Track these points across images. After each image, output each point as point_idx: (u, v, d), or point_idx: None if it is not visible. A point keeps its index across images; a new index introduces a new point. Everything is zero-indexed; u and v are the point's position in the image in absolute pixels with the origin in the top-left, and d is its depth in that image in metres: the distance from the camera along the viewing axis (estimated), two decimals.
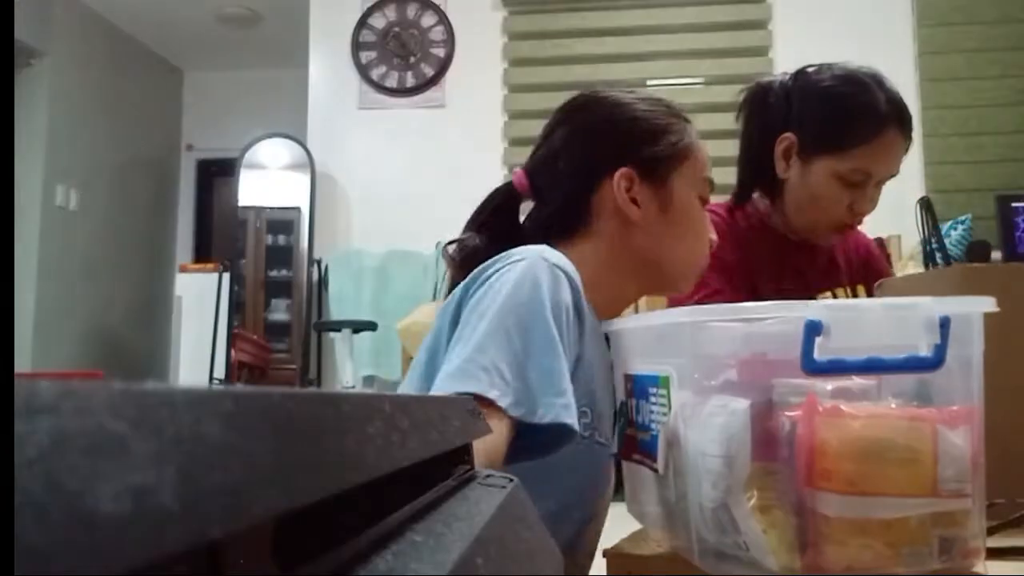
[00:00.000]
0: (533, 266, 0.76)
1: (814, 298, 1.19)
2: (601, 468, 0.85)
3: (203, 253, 5.58)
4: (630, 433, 0.74)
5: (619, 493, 0.86)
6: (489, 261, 0.79)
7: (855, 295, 1.26)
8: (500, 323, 0.71)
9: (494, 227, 0.97)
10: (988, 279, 0.81)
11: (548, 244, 0.86)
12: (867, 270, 1.30)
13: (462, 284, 0.80)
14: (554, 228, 0.93)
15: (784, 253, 1.24)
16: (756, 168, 1.24)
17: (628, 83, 4.02)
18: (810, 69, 1.20)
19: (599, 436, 0.84)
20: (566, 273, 0.78)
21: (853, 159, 1.12)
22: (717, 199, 1.10)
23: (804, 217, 1.19)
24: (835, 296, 1.24)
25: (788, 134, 1.18)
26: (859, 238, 1.33)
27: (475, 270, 0.80)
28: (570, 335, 0.76)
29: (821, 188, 1.15)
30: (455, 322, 0.77)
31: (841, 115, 1.13)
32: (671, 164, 0.91)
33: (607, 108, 0.94)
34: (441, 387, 0.69)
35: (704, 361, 0.61)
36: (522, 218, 0.98)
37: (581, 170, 0.92)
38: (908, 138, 1.15)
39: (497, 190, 1.00)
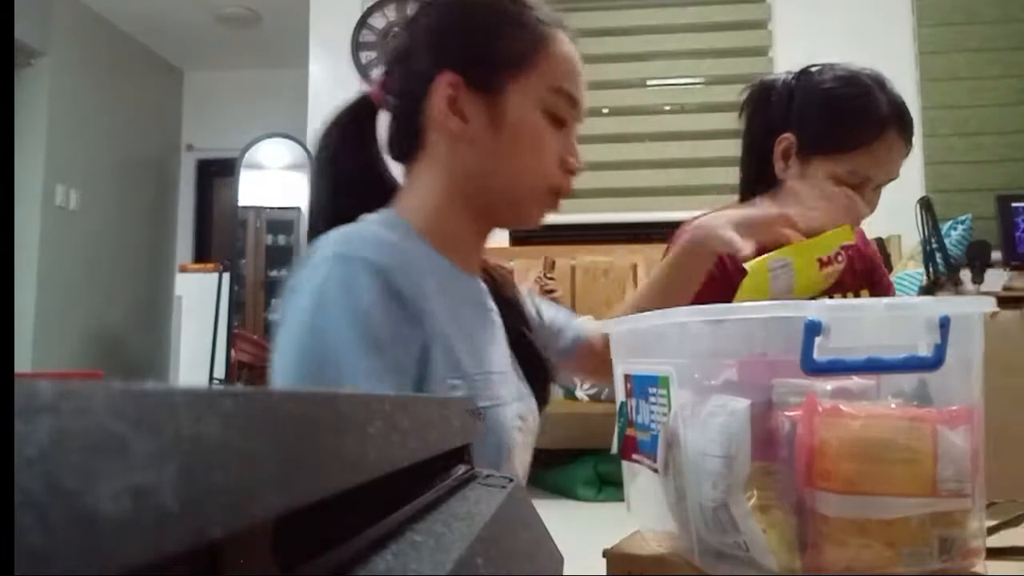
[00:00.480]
0: (321, 285, 0.67)
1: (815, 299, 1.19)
2: (494, 432, 0.76)
3: (203, 253, 5.58)
4: (630, 433, 0.74)
5: (619, 493, 0.86)
6: (310, 255, 0.71)
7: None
8: (302, 374, 0.66)
9: (346, 157, 0.84)
10: None
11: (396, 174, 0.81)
12: (872, 279, 1.29)
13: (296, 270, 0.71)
14: (397, 149, 0.83)
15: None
16: (757, 167, 1.23)
17: (628, 83, 4.02)
18: (813, 69, 1.20)
19: (485, 400, 0.76)
20: (367, 262, 0.68)
21: (851, 161, 1.11)
22: (715, 199, 1.09)
23: (807, 217, 1.18)
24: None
25: (788, 134, 1.17)
26: (866, 249, 1.31)
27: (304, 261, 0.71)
28: (392, 328, 0.68)
29: (814, 191, 1.13)
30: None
31: (841, 117, 1.12)
32: (507, 71, 0.77)
33: (446, 3, 0.82)
34: None
35: (704, 361, 0.61)
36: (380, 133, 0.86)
37: (412, 75, 0.80)
38: (908, 142, 1.14)
39: (351, 101, 0.86)
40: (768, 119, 1.21)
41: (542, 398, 0.89)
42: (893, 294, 1.34)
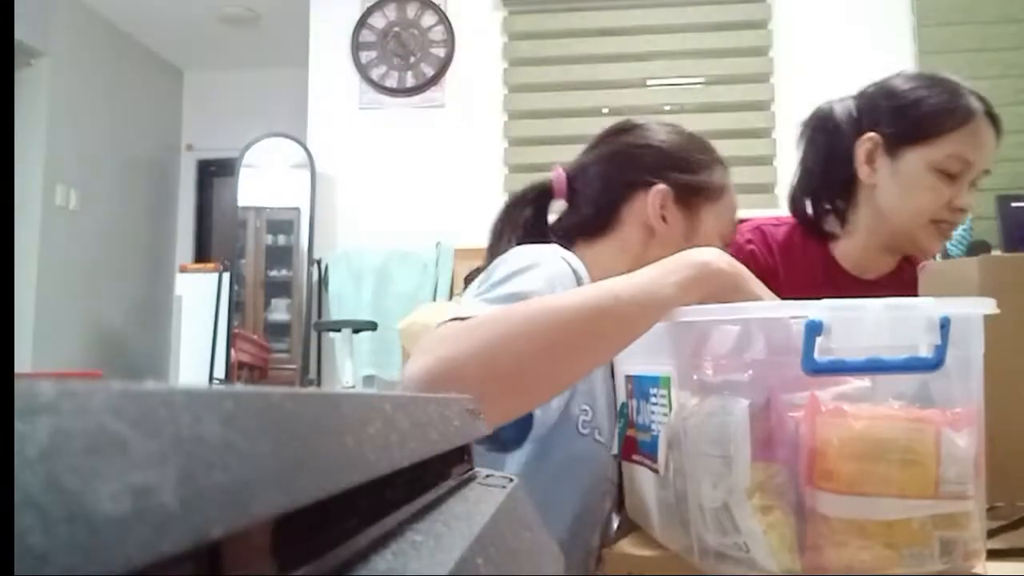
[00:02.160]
0: (542, 250, 0.82)
1: None
2: (601, 466, 0.85)
3: (203, 253, 5.58)
4: (630, 434, 0.74)
5: (619, 494, 0.86)
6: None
7: None
8: (501, 290, 0.74)
9: (522, 221, 1.00)
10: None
11: (569, 246, 0.90)
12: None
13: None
14: (580, 230, 0.97)
15: (841, 285, 1.18)
16: (826, 188, 1.19)
17: (628, 83, 4.02)
18: (875, 81, 1.19)
19: (598, 435, 0.84)
20: (570, 264, 0.82)
21: (948, 144, 1.08)
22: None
23: (901, 217, 1.11)
24: None
25: (870, 134, 1.13)
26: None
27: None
28: None
29: (918, 179, 1.09)
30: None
31: (930, 105, 1.10)
32: (706, 197, 0.97)
33: (659, 130, 1.02)
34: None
35: (704, 361, 0.61)
36: (551, 218, 1.02)
37: (621, 179, 0.98)
38: (999, 131, 1.11)
39: (532, 186, 1.03)
40: (835, 138, 1.17)
41: None
42: None
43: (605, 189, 0.98)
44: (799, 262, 1.20)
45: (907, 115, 1.11)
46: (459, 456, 0.35)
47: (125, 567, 0.11)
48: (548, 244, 0.88)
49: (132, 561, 0.11)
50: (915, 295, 1.23)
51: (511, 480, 0.36)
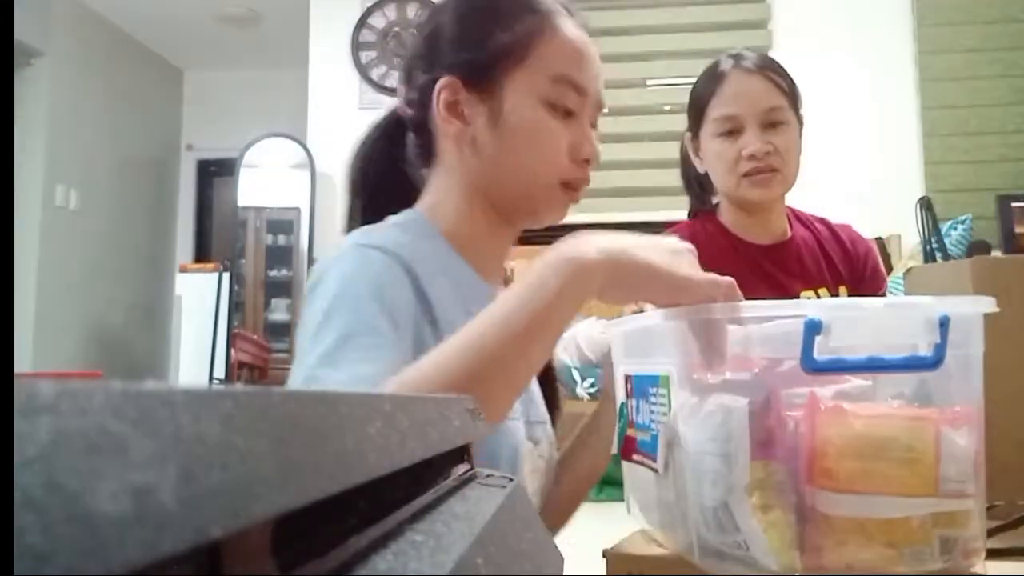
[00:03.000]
0: (343, 268, 0.69)
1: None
2: (504, 445, 0.74)
3: (203, 253, 5.58)
4: (630, 433, 0.74)
5: (619, 493, 0.86)
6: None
7: (836, 296, 1.24)
8: (326, 334, 0.65)
9: (377, 172, 0.85)
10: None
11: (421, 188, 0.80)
12: (850, 269, 1.28)
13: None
14: (419, 159, 0.83)
15: (749, 258, 1.25)
16: (689, 177, 1.34)
17: (628, 83, 4.02)
18: None
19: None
20: (383, 249, 0.69)
21: (713, 112, 1.20)
22: (713, 198, 1.08)
23: (726, 186, 1.23)
24: (818, 297, 1.23)
25: (687, 133, 1.29)
26: (835, 235, 1.32)
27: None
28: (404, 303, 0.68)
29: (714, 153, 1.21)
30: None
31: (696, 89, 1.27)
32: (502, 66, 0.75)
33: (439, 7, 0.81)
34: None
35: (704, 360, 0.61)
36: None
37: (419, 85, 0.80)
38: (757, 70, 1.21)
39: (379, 120, 0.88)
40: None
41: (552, 419, 0.89)
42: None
43: (412, 105, 0.81)
44: (707, 248, 1.24)
45: (690, 106, 1.28)
46: (459, 456, 0.35)
47: (125, 567, 0.11)
48: (357, 233, 0.74)
49: (132, 561, 0.11)
50: (821, 253, 1.28)
51: (511, 480, 0.36)
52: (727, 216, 1.29)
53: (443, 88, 0.76)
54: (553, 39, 0.77)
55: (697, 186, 1.33)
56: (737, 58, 1.22)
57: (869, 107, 3.65)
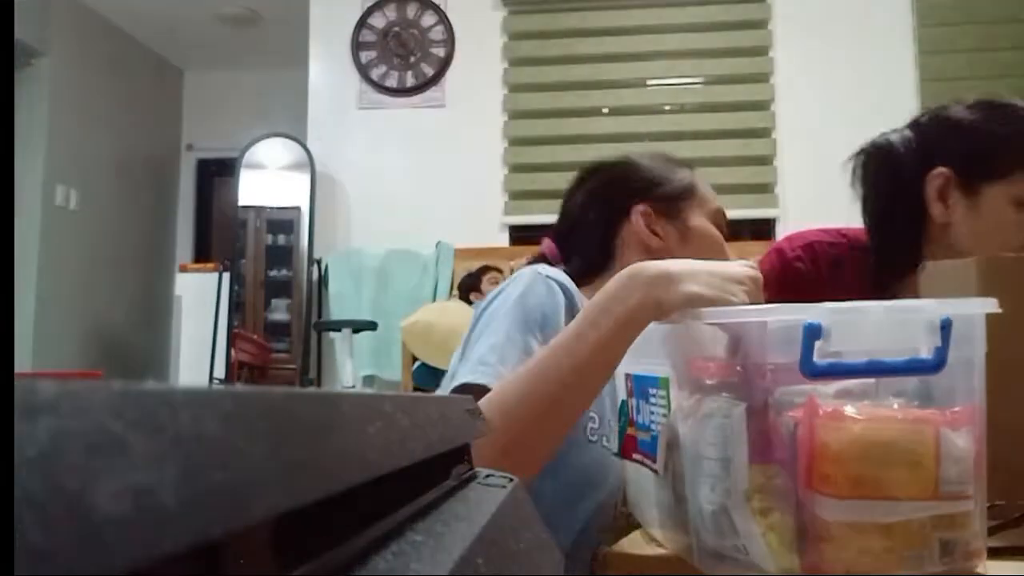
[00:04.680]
0: (529, 276, 0.88)
1: None
2: (612, 471, 0.86)
3: (203, 253, 5.58)
4: (630, 432, 0.74)
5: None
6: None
7: None
8: (498, 327, 0.82)
9: None
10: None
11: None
12: None
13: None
14: (583, 276, 1.01)
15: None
16: (896, 227, 1.13)
17: (628, 83, 4.02)
18: (930, 111, 1.15)
19: (606, 441, 0.86)
20: (558, 282, 0.88)
21: None
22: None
23: (982, 252, 1.01)
24: None
25: (941, 169, 1.08)
26: None
27: None
28: (554, 320, 0.85)
29: (999, 215, 1.04)
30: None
31: (1002, 137, 1.05)
32: (683, 198, 1.03)
33: (618, 164, 1.08)
34: (456, 380, 0.79)
35: (703, 362, 0.61)
36: None
37: (604, 218, 1.04)
38: None
39: (529, 262, 1.07)
40: (898, 173, 1.12)
41: None
42: None
43: (594, 232, 1.04)
44: (847, 280, 1.15)
45: (979, 150, 1.06)
46: (459, 456, 0.35)
47: (125, 567, 0.11)
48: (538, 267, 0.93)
49: (132, 561, 0.11)
50: None
51: (511, 480, 0.36)
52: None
53: (641, 213, 1.02)
54: (702, 182, 1.07)
55: (892, 220, 1.14)
56: None
57: (869, 107, 3.65)
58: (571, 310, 0.87)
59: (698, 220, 1.03)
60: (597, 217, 1.04)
